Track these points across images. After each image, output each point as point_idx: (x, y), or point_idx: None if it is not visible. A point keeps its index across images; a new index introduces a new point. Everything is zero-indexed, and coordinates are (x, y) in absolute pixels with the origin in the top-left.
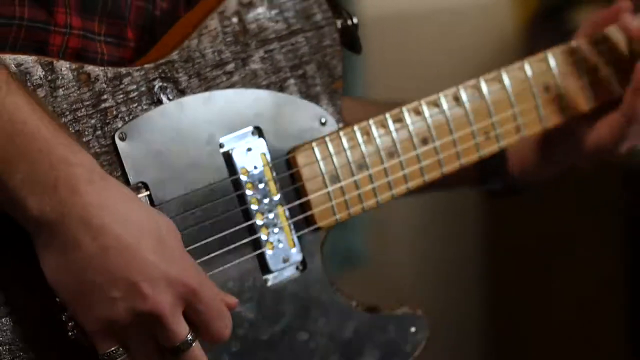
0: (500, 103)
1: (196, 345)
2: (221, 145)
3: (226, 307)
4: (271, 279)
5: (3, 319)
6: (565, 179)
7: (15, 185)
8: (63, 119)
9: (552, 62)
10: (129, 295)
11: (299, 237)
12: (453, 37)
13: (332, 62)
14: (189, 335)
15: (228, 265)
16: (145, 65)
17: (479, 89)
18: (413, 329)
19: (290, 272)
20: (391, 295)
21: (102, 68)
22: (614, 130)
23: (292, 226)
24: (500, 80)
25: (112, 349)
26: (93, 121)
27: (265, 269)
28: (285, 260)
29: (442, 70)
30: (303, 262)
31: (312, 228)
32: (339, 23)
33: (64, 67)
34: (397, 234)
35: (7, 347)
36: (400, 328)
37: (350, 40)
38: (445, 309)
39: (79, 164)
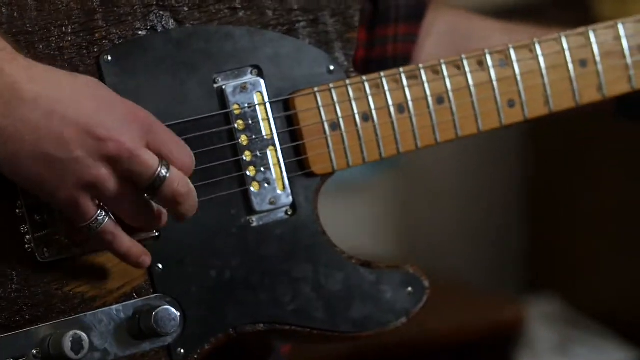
0: (530, 73)
1: (174, 171)
2: (215, 81)
3: None
4: (255, 220)
5: None
6: None
7: None
8: (49, 33)
9: (592, 37)
10: (90, 146)
11: (290, 181)
12: None
13: (349, 12)
14: (161, 167)
15: (212, 196)
16: None
17: (507, 56)
18: (410, 289)
19: (277, 215)
20: (425, 199)
21: None
22: None
23: (283, 168)
24: (532, 50)
25: (95, 215)
26: (79, 39)
27: (250, 209)
28: (272, 202)
29: None
30: (293, 207)
31: (305, 172)
32: None
33: None
34: None
35: None
36: (396, 287)
37: None
38: (485, 210)
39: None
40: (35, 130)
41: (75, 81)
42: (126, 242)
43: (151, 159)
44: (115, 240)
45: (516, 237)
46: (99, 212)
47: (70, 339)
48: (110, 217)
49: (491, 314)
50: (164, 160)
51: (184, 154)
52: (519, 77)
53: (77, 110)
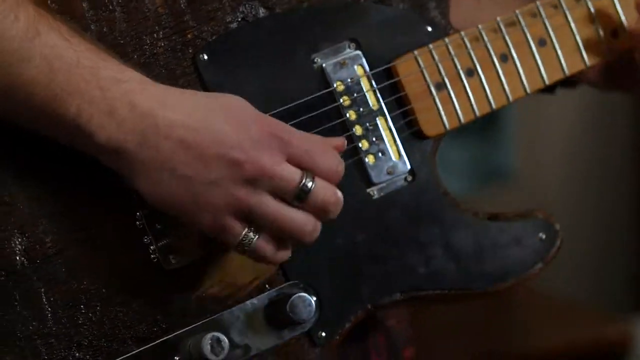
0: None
1: (319, 182)
2: (314, 61)
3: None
4: (376, 192)
5: (83, 255)
6: None
7: (72, 118)
8: (141, 41)
9: None
10: (227, 170)
11: (404, 148)
12: None
13: None
14: (305, 179)
15: None
16: None
17: None
18: (542, 236)
19: (397, 183)
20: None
21: None
22: None
23: (396, 137)
24: None
25: (243, 233)
26: (172, 43)
27: (368, 181)
28: (389, 172)
29: None
30: (412, 173)
31: (418, 137)
32: None
33: None
34: (547, 151)
35: (93, 285)
36: (527, 235)
37: None
38: (594, 227)
39: (128, 79)
40: (172, 158)
41: (210, 103)
42: (279, 254)
43: (292, 174)
44: (267, 255)
45: (624, 256)
46: (246, 230)
47: (209, 341)
48: (259, 235)
49: (598, 333)
50: (308, 172)
51: (329, 161)
52: (617, 5)
53: (212, 134)
